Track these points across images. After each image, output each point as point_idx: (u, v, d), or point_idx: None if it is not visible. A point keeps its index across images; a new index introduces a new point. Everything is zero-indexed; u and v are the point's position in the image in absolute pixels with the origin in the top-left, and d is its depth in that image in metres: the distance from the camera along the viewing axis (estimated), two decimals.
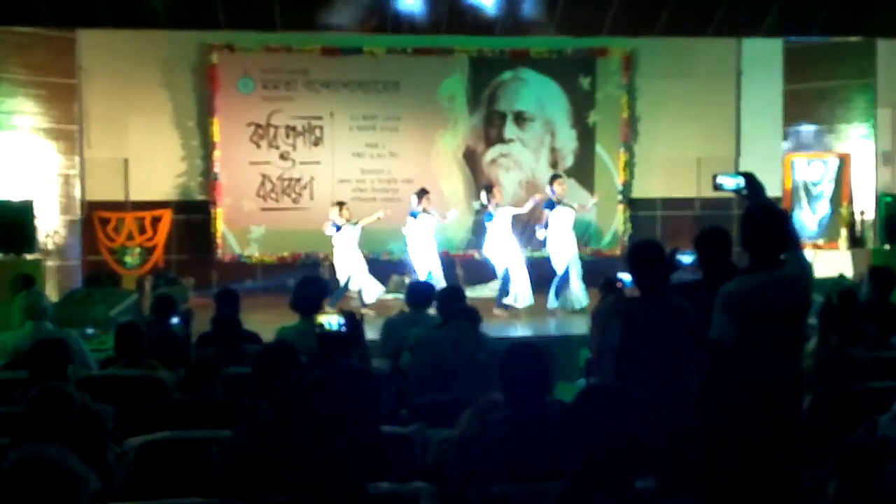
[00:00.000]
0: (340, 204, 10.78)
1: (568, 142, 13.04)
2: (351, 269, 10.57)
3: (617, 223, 13.01)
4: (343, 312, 4.73)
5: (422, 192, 10.63)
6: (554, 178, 10.68)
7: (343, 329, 4.48)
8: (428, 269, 10.47)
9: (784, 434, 3.64)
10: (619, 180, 13.07)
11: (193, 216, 12.40)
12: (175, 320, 6.92)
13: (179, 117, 12.39)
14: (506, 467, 3.17)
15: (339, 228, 10.56)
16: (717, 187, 4.12)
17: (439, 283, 9.70)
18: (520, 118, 12.96)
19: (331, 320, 4.54)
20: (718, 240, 4.28)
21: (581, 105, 13.00)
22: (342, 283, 10.54)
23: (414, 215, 10.52)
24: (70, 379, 4.56)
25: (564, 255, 10.35)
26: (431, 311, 6.04)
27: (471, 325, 5.49)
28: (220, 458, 3.20)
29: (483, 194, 10.73)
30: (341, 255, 10.61)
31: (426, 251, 10.56)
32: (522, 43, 12.41)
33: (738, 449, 3.60)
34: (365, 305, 10.46)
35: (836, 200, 11.75)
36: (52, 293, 10.53)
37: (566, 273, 10.33)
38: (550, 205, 10.36)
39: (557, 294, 10.36)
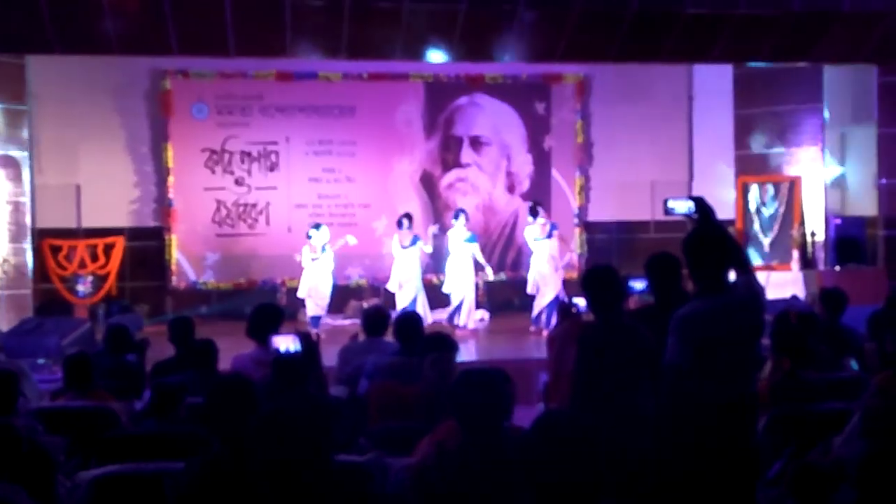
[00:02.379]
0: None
1: (524, 166, 13.12)
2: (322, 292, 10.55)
3: (573, 246, 13.08)
4: (299, 334, 4.69)
5: (406, 217, 10.74)
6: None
7: (298, 350, 4.44)
8: (412, 297, 10.52)
9: (739, 457, 3.67)
10: (575, 204, 13.17)
11: (147, 243, 12.25)
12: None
13: (132, 143, 12.26)
14: (462, 496, 3.15)
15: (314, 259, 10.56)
16: (668, 212, 4.16)
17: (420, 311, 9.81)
18: (476, 143, 13.02)
19: (286, 342, 4.50)
20: (668, 265, 4.34)
21: (537, 130, 13.10)
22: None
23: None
24: (19, 412, 4.46)
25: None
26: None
27: (451, 355, 5.44)
28: (172, 491, 3.14)
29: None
30: (317, 280, 10.53)
31: (411, 278, 10.62)
32: (477, 68, 12.49)
33: (694, 472, 3.61)
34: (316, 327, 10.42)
35: (787, 223, 11.93)
36: (1, 323, 10.32)
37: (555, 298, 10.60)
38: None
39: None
